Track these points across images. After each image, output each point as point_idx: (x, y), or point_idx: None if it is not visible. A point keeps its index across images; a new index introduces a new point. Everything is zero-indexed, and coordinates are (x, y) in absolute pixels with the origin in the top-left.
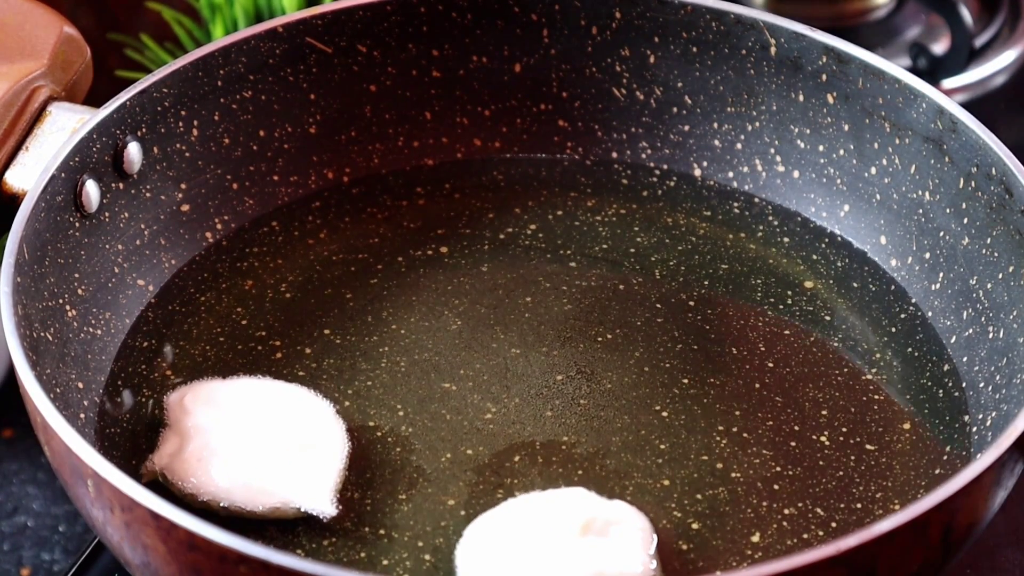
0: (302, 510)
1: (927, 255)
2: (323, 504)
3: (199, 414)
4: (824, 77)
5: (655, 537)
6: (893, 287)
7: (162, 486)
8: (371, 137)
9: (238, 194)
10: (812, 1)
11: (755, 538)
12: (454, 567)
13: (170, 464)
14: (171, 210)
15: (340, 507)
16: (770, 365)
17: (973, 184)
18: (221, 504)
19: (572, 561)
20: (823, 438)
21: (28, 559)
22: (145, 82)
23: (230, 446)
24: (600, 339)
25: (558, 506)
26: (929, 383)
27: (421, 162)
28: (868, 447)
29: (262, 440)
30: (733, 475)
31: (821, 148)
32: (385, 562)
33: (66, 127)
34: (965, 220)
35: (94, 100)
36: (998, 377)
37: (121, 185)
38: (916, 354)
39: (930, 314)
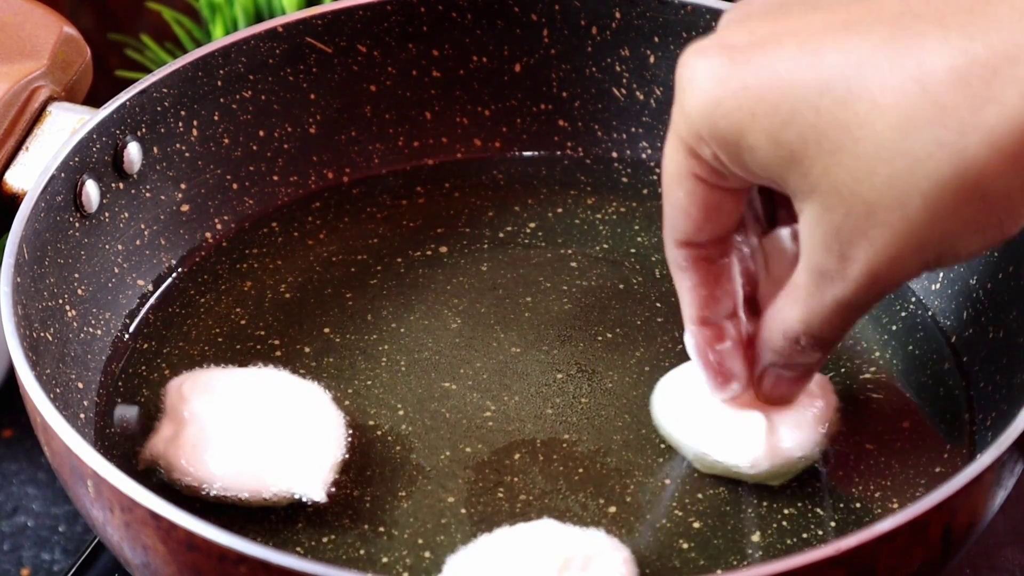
0: (293, 496)
1: None
2: (314, 490)
3: (196, 401)
4: None
5: (636, 566)
6: None
7: (162, 484)
8: (371, 137)
9: (238, 194)
10: None
11: (755, 537)
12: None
13: (165, 451)
14: (171, 210)
15: (332, 490)
16: None
17: None
18: (214, 492)
19: None
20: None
21: (28, 559)
22: (145, 82)
23: (226, 433)
24: (600, 338)
25: (532, 543)
26: (929, 382)
27: (421, 162)
28: (867, 446)
29: (258, 428)
30: None
31: None
32: (384, 560)
33: (66, 127)
34: None
35: (94, 100)
36: (998, 377)
37: (121, 185)
38: (916, 353)
39: (930, 313)
